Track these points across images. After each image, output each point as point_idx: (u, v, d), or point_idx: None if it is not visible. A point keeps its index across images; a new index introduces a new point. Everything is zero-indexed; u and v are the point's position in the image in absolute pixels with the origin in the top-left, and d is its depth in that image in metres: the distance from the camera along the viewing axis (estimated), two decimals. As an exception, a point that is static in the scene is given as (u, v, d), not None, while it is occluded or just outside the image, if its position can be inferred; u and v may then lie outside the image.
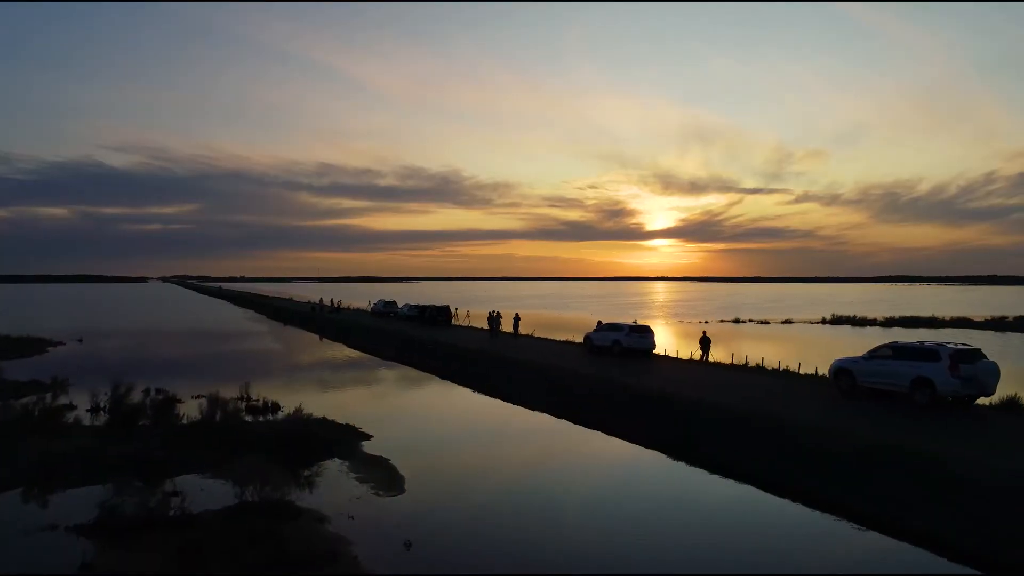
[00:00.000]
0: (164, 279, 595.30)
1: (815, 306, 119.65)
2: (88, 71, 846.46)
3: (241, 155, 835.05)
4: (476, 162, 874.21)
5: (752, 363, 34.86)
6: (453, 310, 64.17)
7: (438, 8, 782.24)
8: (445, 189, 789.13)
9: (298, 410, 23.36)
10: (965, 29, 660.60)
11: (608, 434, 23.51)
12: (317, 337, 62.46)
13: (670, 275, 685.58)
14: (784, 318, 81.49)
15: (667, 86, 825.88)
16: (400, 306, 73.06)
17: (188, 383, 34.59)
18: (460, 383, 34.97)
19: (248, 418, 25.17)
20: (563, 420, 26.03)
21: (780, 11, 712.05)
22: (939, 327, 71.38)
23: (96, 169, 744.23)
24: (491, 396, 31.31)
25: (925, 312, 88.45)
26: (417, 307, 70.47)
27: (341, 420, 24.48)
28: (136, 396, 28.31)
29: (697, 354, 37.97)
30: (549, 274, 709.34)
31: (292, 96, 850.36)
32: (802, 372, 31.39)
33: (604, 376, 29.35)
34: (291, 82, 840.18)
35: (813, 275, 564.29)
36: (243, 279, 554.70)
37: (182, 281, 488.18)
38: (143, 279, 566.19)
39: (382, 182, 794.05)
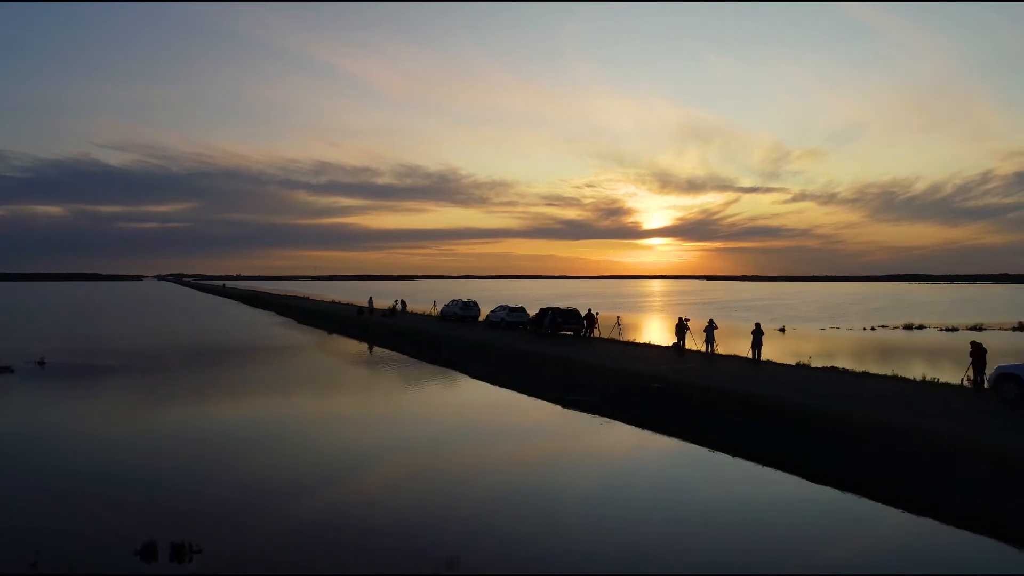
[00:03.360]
0: (160, 277, 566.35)
1: (915, 307, 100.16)
2: (84, 68, 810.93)
3: (238, 153, 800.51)
4: (474, 160, 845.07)
5: None
6: (594, 314, 42.98)
7: (436, 6, 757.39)
8: (443, 188, 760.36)
9: None
10: (962, 28, 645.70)
11: None
12: (400, 355, 41.27)
13: (667, 274, 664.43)
14: (971, 323, 61.34)
15: (665, 85, 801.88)
16: (496, 309, 51.79)
17: (242, 499, 13.76)
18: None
19: None
20: None
21: (778, 10, 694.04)
22: None
23: (92, 167, 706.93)
24: None
25: None
26: (515, 310, 49.68)
27: None
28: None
29: None
30: (546, 272, 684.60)
31: (290, 94, 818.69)
32: None
33: None
34: (289, 80, 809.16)
35: (809, 274, 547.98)
36: (239, 277, 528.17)
37: (179, 279, 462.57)
38: (138, 277, 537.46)
39: (380, 180, 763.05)
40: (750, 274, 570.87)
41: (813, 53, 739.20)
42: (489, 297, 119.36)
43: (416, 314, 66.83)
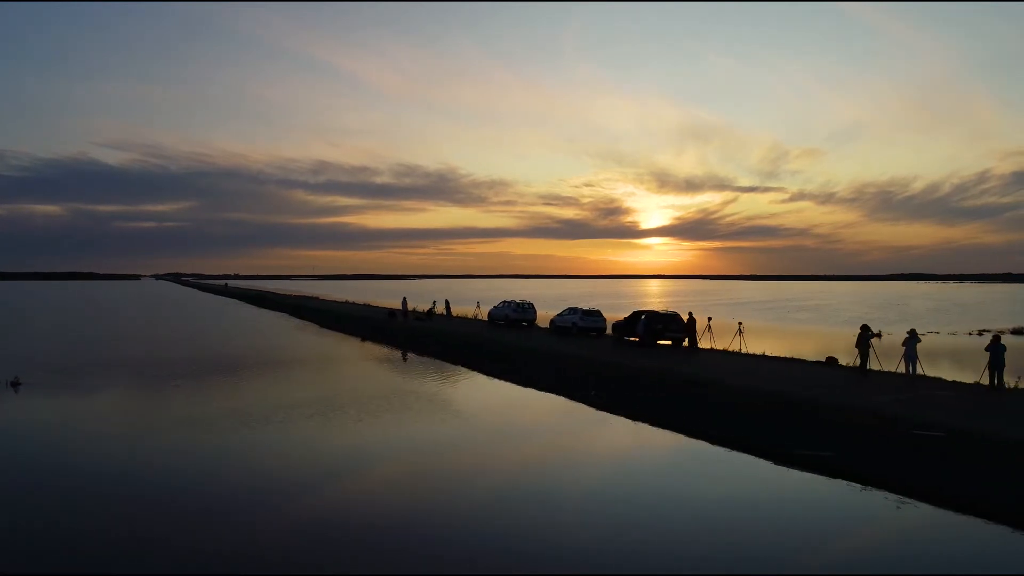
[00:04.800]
0: (157, 277, 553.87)
1: (971, 309, 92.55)
2: (82, 67, 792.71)
3: (236, 152, 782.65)
4: (472, 160, 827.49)
5: None
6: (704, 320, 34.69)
7: (436, 6, 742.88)
8: (441, 187, 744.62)
9: None
10: (962, 28, 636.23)
11: None
12: (466, 370, 32.92)
13: (665, 273, 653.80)
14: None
15: (664, 84, 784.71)
16: (565, 312, 43.29)
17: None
18: None
19: None
20: None
21: (778, 10, 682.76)
22: None
23: (90, 166, 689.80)
24: None
25: None
26: (590, 313, 41.62)
27: None
28: None
29: None
30: (544, 272, 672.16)
31: (288, 93, 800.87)
32: None
33: None
34: (288, 79, 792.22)
35: (806, 273, 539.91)
36: (237, 276, 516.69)
37: (177, 279, 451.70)
38: (136, 277, 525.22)
39: (378, 180, 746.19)
40: (748, 273, 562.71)
41: (813, 53, 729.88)
42: (491, 297, 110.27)
43: (454, 317, 58.40)
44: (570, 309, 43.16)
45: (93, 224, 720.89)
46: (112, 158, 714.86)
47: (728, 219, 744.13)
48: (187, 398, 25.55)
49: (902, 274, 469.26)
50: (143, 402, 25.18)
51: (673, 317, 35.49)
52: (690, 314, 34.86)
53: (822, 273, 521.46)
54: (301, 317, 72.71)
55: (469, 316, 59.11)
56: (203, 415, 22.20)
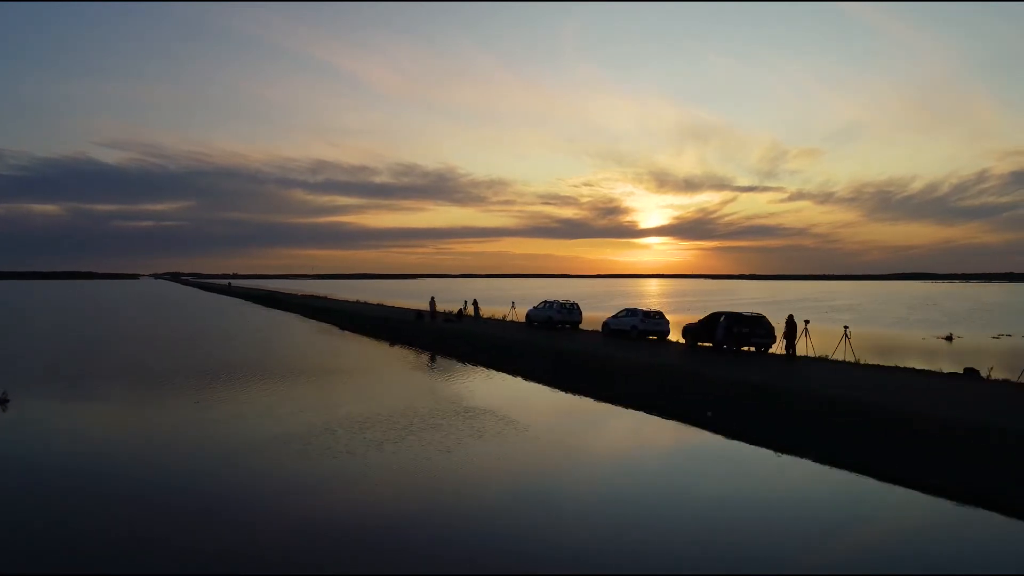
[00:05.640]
0: (156, 276, 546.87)
1: (1004, 310, 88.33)
2: (81, 67, 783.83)
3: (235, 152, 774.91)
4: (472, 160, 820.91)
5: None
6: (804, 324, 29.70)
7: (436, 6, 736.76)
8: (440, 187, 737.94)
9: None
10: (962, 28, 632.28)
11: None
12: (538, 384, 28.31)
13: (664, 272, 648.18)
14: None
15: (664, 84, 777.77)
16: (622, 313, 38.61)
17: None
18: None
19: None
20: None
21: (778, 10, 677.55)
22: None
23: (88, 166, 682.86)
24: None
25: None
26: (651, 315, 37.31)
27: None
28: None
29: None
30: (543, 271, 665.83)
31: (288, 92, 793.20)
32: None
33: None
34: (287, 78, 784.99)
35: (805, 273, 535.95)
36: (236, 276, 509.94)
37: (175, 278, 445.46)
38: (134, 276, 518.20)
39: (377, 179, 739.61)
40: (747, 273, 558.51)
41: (813, 53, 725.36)
42: (492, 296, 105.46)
43: (484, 318, 53.62)
44: (628, 310, 38.53)
45: (92, 223, 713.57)
46: (111, 157, 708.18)
47: (727, 219, 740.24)
48: (214, 414, 20.82)
49: (901, 274, 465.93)
50: (163, 420, 20.44)
51: (759, 319, 30.84)
52: (790, 317, 30.04)
53: (821, 273, 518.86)
54: (314, 318, 67.85)
55: (498, 317, 54.61)
56: (240, 438, 17.53)
